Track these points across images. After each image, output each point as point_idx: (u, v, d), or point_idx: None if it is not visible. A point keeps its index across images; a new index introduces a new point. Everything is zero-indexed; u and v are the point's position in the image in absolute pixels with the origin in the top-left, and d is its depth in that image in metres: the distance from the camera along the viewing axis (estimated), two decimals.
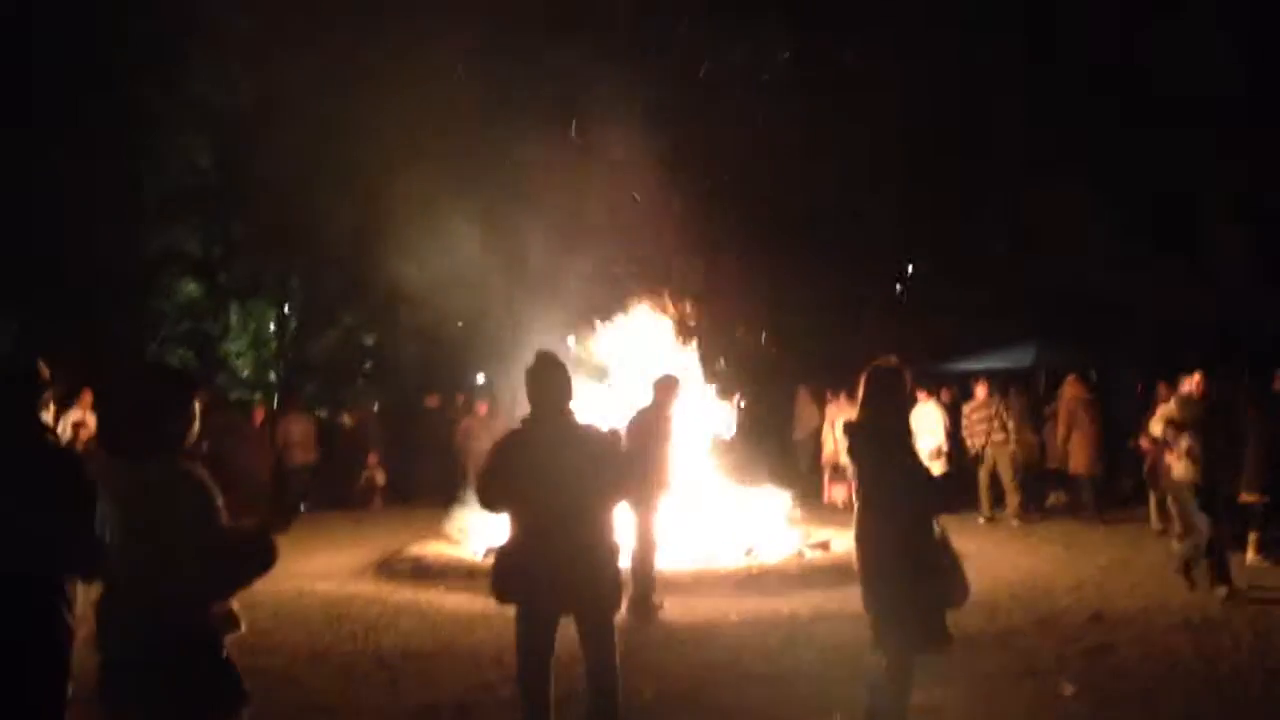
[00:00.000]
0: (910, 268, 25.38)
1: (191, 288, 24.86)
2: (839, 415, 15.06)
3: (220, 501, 3.69)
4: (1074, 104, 21.35)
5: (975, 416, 13.92)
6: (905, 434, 5.55)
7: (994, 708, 6.17)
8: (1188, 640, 7.48)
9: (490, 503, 5.19)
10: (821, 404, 17.11)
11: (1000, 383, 15.49)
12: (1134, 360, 18.96)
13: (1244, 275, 20.66)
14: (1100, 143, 21.16)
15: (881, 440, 5.29)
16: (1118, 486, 14.47)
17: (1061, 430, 13.62)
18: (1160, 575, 9.60)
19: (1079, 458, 13.44)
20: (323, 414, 21.04)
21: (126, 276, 23.61)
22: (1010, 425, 13.75)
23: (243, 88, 22.62)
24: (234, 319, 25.09)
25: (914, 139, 21.37)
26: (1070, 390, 13.80)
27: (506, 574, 5.11)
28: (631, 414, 8.60)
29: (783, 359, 19.58)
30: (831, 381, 17.41)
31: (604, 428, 5.35)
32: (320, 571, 10.52)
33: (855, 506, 5.39)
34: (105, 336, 23.30)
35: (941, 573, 5.26)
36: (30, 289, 23.04)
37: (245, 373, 25.36)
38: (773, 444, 17.36)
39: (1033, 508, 14.07)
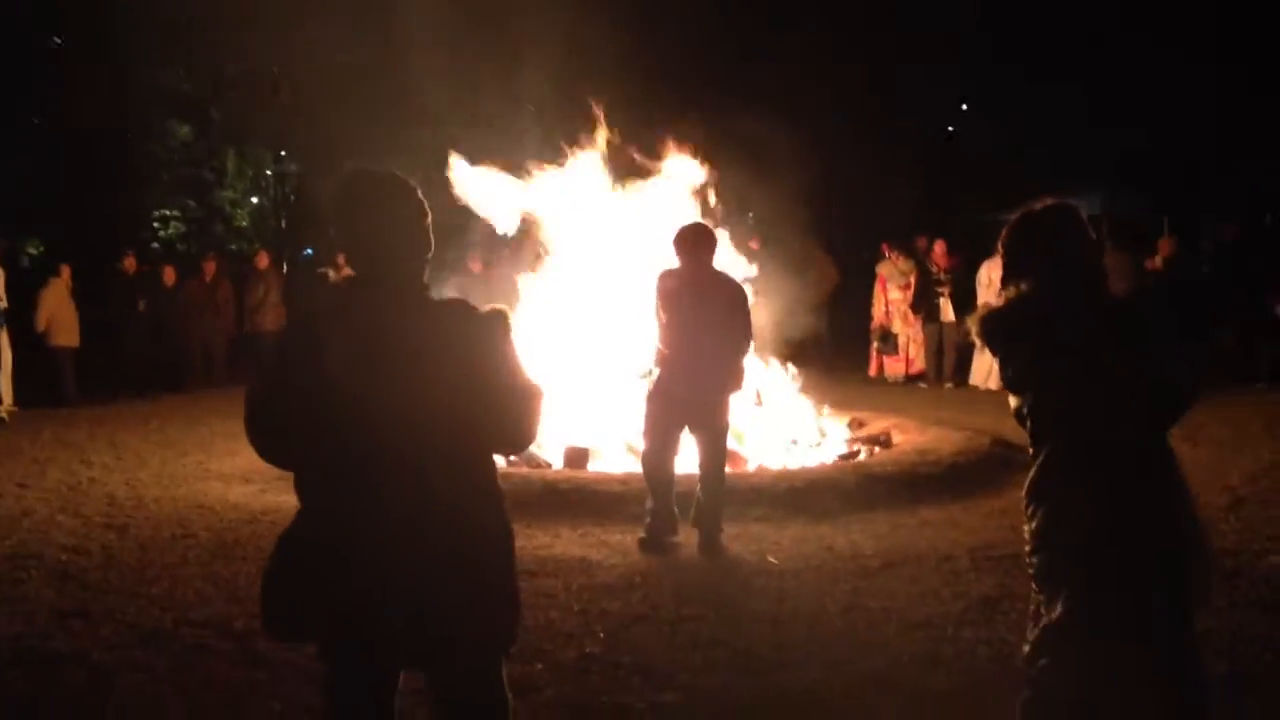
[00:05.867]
0: (964, 106, 21.85)
1: (184, 130, 22.02)
2: (892, 273, 12.17)
3: None
4: None
5: None
6: (1110, 305, 2.80)
7: None
8: None
9: (267, 444, 2.41)
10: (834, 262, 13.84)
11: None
12: (1211, 211, 16.35)
13: None
14: None
15: (1065, 329, 2.69)
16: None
17: None
18: None
19: None
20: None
21: (118, 119, 21.26)
22: None
23: None
24: (230, 165, 22.20)
25: None
26: None
27: (293, 587, 2.38)
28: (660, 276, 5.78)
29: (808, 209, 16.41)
30: (871, 236, 14.63)
31: (484, 305, 2.54)
32: (244, 469, 7.76)
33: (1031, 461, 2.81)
34: (99, 184, 21.12)
35: (1195, 545, 2.76)
36: (23, 134, 21.29)
37: (244, 222, 22.58)
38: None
39: None
